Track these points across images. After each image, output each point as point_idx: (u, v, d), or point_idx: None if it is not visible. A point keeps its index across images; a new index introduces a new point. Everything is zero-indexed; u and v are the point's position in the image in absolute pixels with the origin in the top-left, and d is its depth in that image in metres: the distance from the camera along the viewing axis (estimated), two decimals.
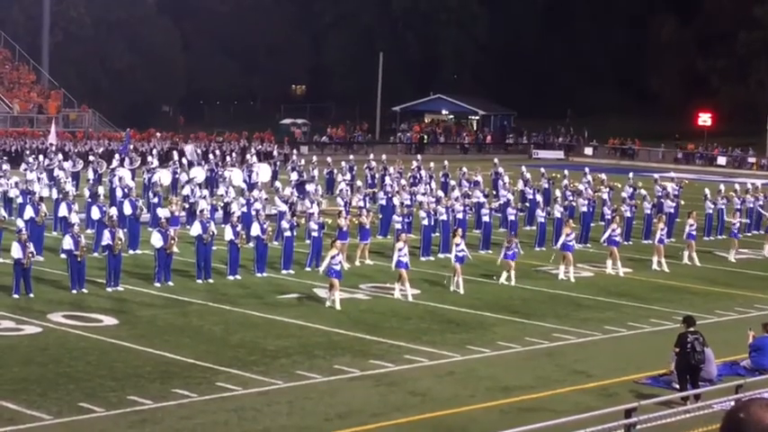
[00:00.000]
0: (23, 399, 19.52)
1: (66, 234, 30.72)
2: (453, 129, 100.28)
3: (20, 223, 30.88)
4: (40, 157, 53.15)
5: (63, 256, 31.86)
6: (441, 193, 42.90)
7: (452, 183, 50.53)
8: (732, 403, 10.26)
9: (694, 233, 38.21)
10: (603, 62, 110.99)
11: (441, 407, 20.00)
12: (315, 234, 34.11)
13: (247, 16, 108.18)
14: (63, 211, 35.16)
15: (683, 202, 46.01)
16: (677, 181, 50.13)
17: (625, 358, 24.18)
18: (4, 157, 51.62)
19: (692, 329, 20.82)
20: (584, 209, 42.66)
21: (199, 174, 47.52)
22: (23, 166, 49.73)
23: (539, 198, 44.49)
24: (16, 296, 28.19)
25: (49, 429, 18.02)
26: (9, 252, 29.50)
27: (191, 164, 55.95)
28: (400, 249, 29.90)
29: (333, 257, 28.54)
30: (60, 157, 54.57)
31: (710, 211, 44.81)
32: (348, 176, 52.09)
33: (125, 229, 34.10)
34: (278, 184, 44.48)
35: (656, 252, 36.57)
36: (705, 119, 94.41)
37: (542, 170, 52.69)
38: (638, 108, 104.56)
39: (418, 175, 52.81)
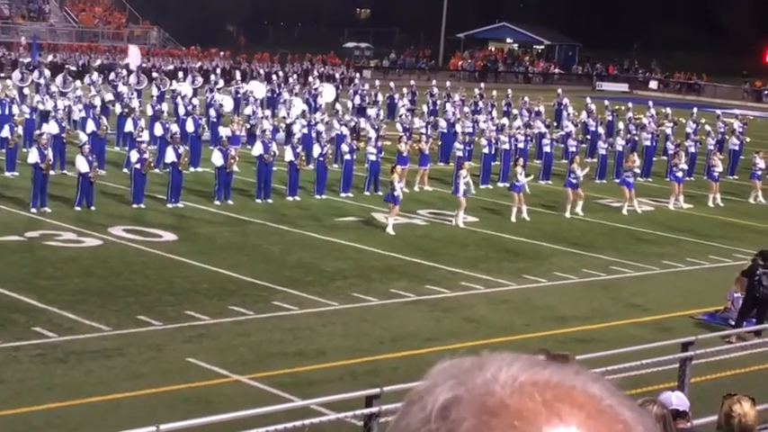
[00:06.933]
0: (83, 309, 19.80)
1: (133, 149, 30.92)
2: (519, 56, 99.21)
3: (82, 137, 31.12)
4: (105, 72, 53.42)
5: (126, 170, 32.12)
6: (504, 121, 42.62)
7: (514, 112, 50.17)
8: None
9: (759, 173, 37.69)
10: None
11: (495, 334, 20.06)
12: (372, 158, 34.11)
13: None
14: (129, 126, 35.30)
15: (747, 140, 45.38)
16: (741, 118, 49.36)
17: (682, 293, 24.04)
18: (68, 67, 51.74)
19: (763, 263, 20.51)
20: (647, 143, 42.32)
21: (259, 90, 47.09)
22: (87, 80, 50.07)
23: (601, 130, 44.08)
24: (78, 209, 28.47)
25: (107, 340, 18.27)
26: (74, 165, 29.76)
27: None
28: (463, 177, 29.88)
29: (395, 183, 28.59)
30: (124, 72, 54.75)
31: None
32: (409, 102, 51.90)
33: (187, 147, 34.25)
34: (339, 107, 44.41)
35: (709, 188, 36.45)
36: None
37: (606, 102, 52.18)
38: (707, 43, 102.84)
39: (480, 104, 52.48)
